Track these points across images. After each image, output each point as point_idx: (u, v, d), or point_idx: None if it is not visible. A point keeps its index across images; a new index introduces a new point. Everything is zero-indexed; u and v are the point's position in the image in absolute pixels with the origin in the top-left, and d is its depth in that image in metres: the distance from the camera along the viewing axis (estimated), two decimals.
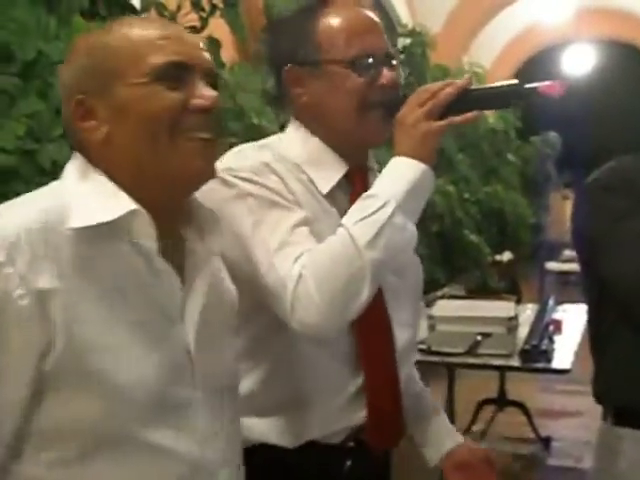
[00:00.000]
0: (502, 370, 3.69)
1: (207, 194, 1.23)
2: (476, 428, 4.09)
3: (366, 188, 1.35)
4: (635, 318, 1.58)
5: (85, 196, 1.01)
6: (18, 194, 1.53)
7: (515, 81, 1.29)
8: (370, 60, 1.34)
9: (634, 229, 1.54)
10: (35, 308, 0.93)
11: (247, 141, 1.42)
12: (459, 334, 2.97)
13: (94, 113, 1.03)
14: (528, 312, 3.59)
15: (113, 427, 0.98)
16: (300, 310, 1.19)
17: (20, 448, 0.97)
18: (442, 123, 1.26)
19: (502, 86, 1.30)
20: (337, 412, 1.34)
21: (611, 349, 1.65)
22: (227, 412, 1.13)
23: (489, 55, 8.67)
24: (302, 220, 1.27)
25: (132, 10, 2.23)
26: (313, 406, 1.33)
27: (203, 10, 2.38)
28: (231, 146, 1.40)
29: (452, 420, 3.49)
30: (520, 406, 4.23)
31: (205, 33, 2.48)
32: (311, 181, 1.36)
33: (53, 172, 1.60)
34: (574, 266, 8.55)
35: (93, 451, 0.97)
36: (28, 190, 1.53)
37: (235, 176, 1.28)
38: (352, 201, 1.33)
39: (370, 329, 1.34)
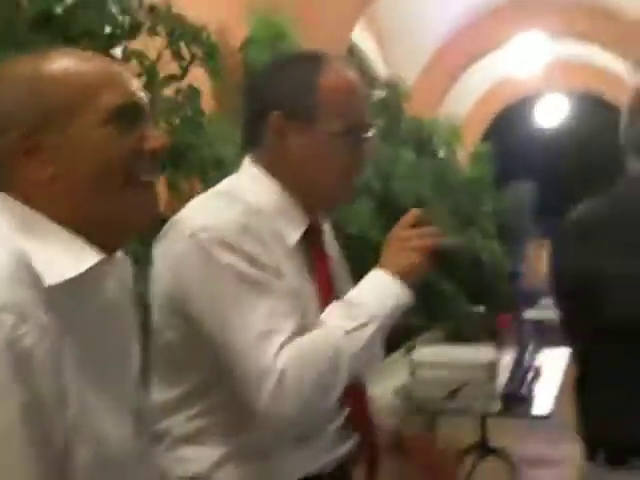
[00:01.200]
0: (483, 416, 3.69)
1: (182, 259, 1.25)
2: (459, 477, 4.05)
3: (321, 242, 1.43)
4: None
5: (39, 245, 0.93)
6: None
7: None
8: (360, 132, 1.37)
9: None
10: (53, 357, 0.88)
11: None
12: (439, 380, 2.98)
13: (39, 150, 0.95)
14: (507, 358, 3.60)
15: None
16: (276, 405, 1.20)
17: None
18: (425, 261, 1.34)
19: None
20: (327, 444, 1.36)
21: (604, 389, 1.64)
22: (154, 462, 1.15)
23: (464, 106, 8.82)
24: (283, 296, 1.26)
25: (113, 60, 2.26)
26: (302, 446, 1.33)
27: (183, 59, 2.42)
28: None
29: None
30: (502, 454, 4.20)
31: (184, 82, 2.52)
32: (277, 232, 1.34)
33: None
34: (551, 314, 8.58)
35: None
36: None
37: (212, 240, 1.23)
38: (314, 255, 1.39)
39: None
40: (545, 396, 3.07)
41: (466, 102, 8.96)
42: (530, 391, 3.06)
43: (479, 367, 3.03)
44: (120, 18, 2.21)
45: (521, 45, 7.34)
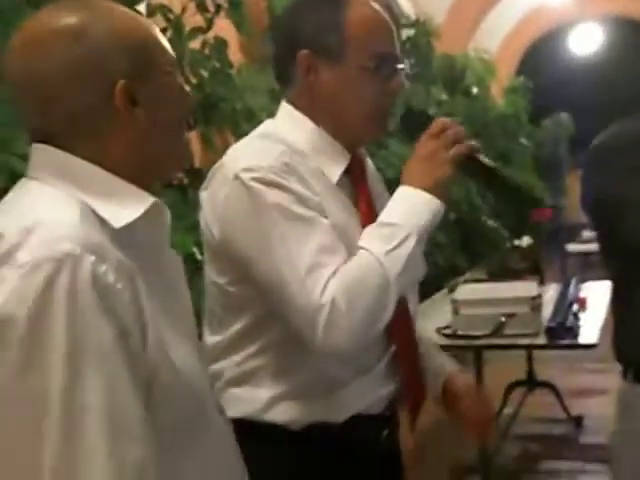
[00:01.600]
0: (529, 349, 3.69)
1: (229, 202, 1.26)
2: (507, 411, 4.09)
3: (365, 177, 1.43)
4: None
5: (100, 195, 0.96)
6: None
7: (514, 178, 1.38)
8: (389, 65, 1.36)
9: None
10: (133, 295, 0.91)
11: None
12: (483, 316, 2.97)
13: (135, 100, 0.96)
14: (551, 292, 3.58)
15: (185, 417, 0.98)
16: (332, 336, 1.21)
17: None
18: (452, 171, 1.31)
19: (506, 175, 1.37)
20: (376, 382, 1.38)
21: (633, 309, 1.66)
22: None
23: (495, 41, 8.65)
24: (328, 231, 1.27)
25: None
26: (355, 380, 1.35)
27: (208, 11, 2.40)
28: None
29: None
30: (549, 386, 4.22)
31: (210, 34, 2.51)
32: (319, 170, 1.35)
33: None
34: (594, 246, 8.49)
35: (175, 442, 0.97)
36: None
37: (256, 179, 1.25)
38: (358, 190, 1.40)
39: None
40: (591, 327, 3.05)
41: (498, 36, 8.78)
42: (576, 322, 3.04)
43: (523, 301, 3.01)
44: None
45: None
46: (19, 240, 0.86)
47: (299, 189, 1.27)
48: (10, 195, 0.99)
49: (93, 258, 0.87)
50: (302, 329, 1.23)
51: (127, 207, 0.96)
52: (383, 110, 1.38)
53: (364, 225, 1.34)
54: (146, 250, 1.00)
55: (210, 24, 2.39)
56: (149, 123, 0.98)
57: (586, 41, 10.07)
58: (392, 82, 1.37)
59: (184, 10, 2.39)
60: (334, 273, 1.23)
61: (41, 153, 0.98)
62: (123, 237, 0.95)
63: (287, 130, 1.36)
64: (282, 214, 1.24)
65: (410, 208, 1.30)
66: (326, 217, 1.29)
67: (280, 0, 3.78)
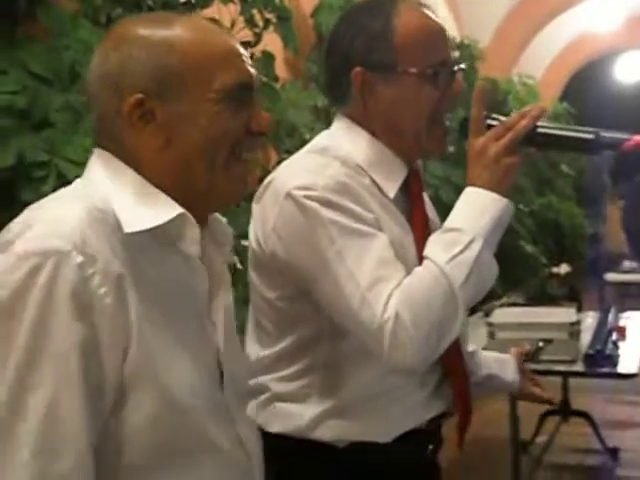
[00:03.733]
0: (565, 376, 3.63)
1: (283, 219, 1.25)
2: (540, 439, 4.03)
3: (421, 192, 1.40)
4: None
5: (128, 199, 0.97)
6: None
7: (591, 130, 1.27)
8: (446, 69, 1.33)
9: None
10: (118, 303, 0.91)
11: None
12: (520, 341, 2.93)
13: (153, 116, 0.98)
14: (589, 320, 3.53)
15: (174, 437, 0.96)
16: (398, 351, 1.19)
17: (102, 452, 0.92)
18: (519, 158, 1.27)
19: (577, 132, 1.29)
20: (426, 400, 1.37)
21: None
22: (247, 416, 1.14)
23: (539, 66, 8.60)
24: (386, 245, 1.25)
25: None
26: (401, 399, 1.34)
27: (256, 26, 2.43)
28: (280, 163, 1.37)
29: (515, 430, 3.46)
30: (585, 416, 4.15)
31: (258, 48, 2.54)
32: (376, 185, 1.33)
33: None
34: (634, 277, 8.40)
35: (165, 459, 0.95)
36: None
37: (311, 198, 1.24)
38: (414, 206, 1.37)
39: None
40: (631, 356, 3.00)
41: (542, 61, 8.74)
42: (615, 351, 2.99)
43: (561, 327, 2.98)
44: None
45: (598, 1, 7.10)
46: (18, 232, 0.90)
47: (354, 207, 1.25)
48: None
49: (81, 258, 0.89)
50: (368, 344, 1.22)
51: (148, 215, 0.97)
52: (442, 118, 1.36)
53: (418, 241, 1.32)
54: (164, 261, 0.99)
55: (259, 38, 2.41)
56: (167, 142, 0.98)
57: (632, 69, 9.98)
58: (450, 86, 1.34)
59: (233, 24, 2.42)
60: (396, 287, 1.20)
61: (96, 154, 1.03)
62: (135, 243, 0.95)
63: (344, 144, 1.35)
64: (338, 230, 1.22)
65: (473, 210, 1.26)
66: (383, 232, 1.27)
67: (326, 18, 3.82)
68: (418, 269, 1.24)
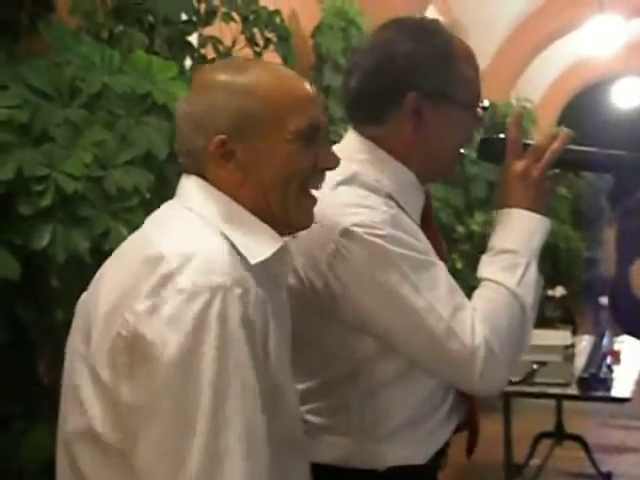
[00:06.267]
0: (559, 399, 3.63)
1: (340, 257, 1.22)
2: (533, 462, 4.02)
3: (432, 213, 1.43)
4: None
5: (238, 229, 1.06)
6: (85, 218, 1.63)
7: (622, 153, 1.34)
8: (480, 104, 1.37)
9: None
10: (265, 327, 1.01)
11: None
12: None
13: (233, 155, 1.07)
14: (584, 343, 3.55)
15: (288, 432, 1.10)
16: (489, 376, 1.22)
17: None
18: (555, 178, 1.34)
19: (606, 154, 1.35)
20: (445, 419, 1.37)
21: None
22: None
23: (537, 90, 8.66)
24: (447, 271, 1.27)
25: (189, 47, 2.31)
26: (437, 420, 1.35)
27: (257, 45, 2.44)
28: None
29: (509, 453, 3.45)
30: (578, 440, 4.14)
31: None
32: (405, 212, 1.32)
33: (119, 197, 1.67)
34: None
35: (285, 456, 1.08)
36: (95, 214, 1.63)
37: (375, 235, 1.22)
38: (429, 225, 1.39)
39: None
40: (625, 381, 3.01)
41: (540, 85, 8.80)
42: (609, 375, 3.00)
43: (555, 349, 2.99)
44: (196, 5, 2.26)
45: (597, 26, 7.16)
46: (179, 265, 0.98)
47: (412, 239, 1.26)
48: (159, 214, 1.12)
49: (240, 290, 0.98)
50: (456, 375, 1.24)
51: (260, 244, 1.06)
52: (464, 147, 1.40)
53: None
54: (272, 288, 1.09)
55: (259, 57, 2.42)
56: (245, 178, 1.08)
57: (629, 95, 10.05)
58: (479, 119, 1.39)
59: (234, 43, 2.44)
60: (472, 311, 1.23)
61: (189, 179, 1.11)
62: (257, 273, 1.04)
63: (371, 170, 1.31)
64: (409, 265, 1.22)
65: (524, 232, 1.31)
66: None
67: (326, 38, 3.85)
68: (487, 292, 1.27)
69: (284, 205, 1.09)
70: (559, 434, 4.18)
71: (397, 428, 1.31)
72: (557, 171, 1.36)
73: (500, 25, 7.14)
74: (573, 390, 2.89)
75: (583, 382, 2.89)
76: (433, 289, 1.22)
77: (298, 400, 1.17)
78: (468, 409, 1.43)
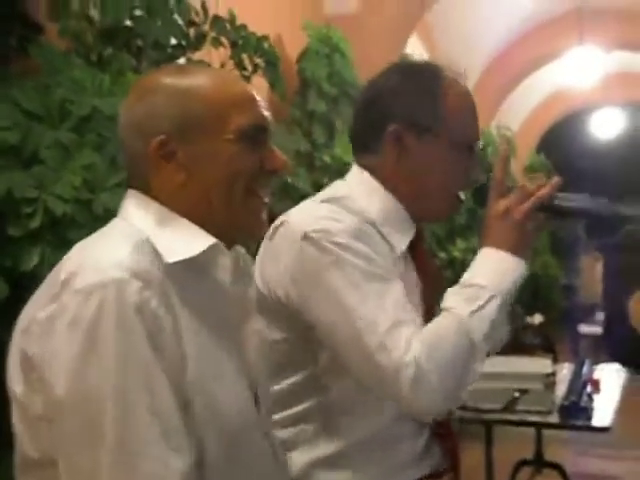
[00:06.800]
0: (540, 427, 3.63)
1: (297, 256, 1.27)
2: None
3: (424, 250, 1.44)
4: None
5: (163, 231, 1.05)
6: (74, 240, 1.62)
7: (607, 203, 1.32)
8: (473, 146, 1.39)
9: None
10: (173, 325, 0.98)
11: (281, 201, 1.44)
12: (495, 390, 2.94)
13: (174, 156, 1.06)
14: (564, 371, 3.55)
15: (230, 454, 1.04)
16: (417, 395, 1.20)
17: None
18: (540, 223, 1.32)
19: (594, 205, 1.33)
20: (413, 459, 1.36)
21: None
22: (274, 434, 1.19)
23: (517, 119, 8.75)
24: (401, 291, 1.27)
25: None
26: (388, 455, 1.33)
27: (245, 69, 2.46)
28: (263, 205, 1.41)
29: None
30: (558, 468, 4.14)
31: None
32: (385, 239, 1.35)
33: (106, 218, 1.66)
34: None
35: (227, 453, 1.03)
36: (82, 236, 1.61)
37: (330, 241, 1.25)
38: (418, 263, 1.40)
39: None
40: (605, 410, 3.01)
41: (520, 114, 8.89)
42: (590, 403, 3.00)
43: (536, 377, 2.99)
44: (185, 29, 2.27)
45: (575, 57, 7.27)
46: (77, 269, 0.97)
47: (371, 253, 1.27)
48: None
49: (140, 283, 0.96)
50: (384, 389, 1.22)
51: (185, 245, 1.04)
52: (460, 189, 1.40)
53: (423, 298, 1.35)
54: (203, 288, 1.06)
55: (247, 82, 2.44)
56: (188, 179, 1.06)
57: (608, 125, 10.19)
58: (473, 161, 1.39)
59: (223, 67, 2.45)
60: (415, 332, 1.22)
61: (128, 195, 1.11)
62: (177, 271, 1.02)
63: (359, 198, 1.36)
64: (359, 273, 1.24)
65: (496, 271, 1.28)
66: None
67: (312, 64, 3.88)
68: (438, 318, 1.26)
69: (230, 207, 1.07)
70: (539, 462, 4.18)
71: (348, 452, 1.31)
72: (541, 216, 1.33)
73: (481, 54, 7.23)
74: (554, 418, 2.88)
75: (564, 410, 2.89)
76: (377, 301, 1.23)
77: (250, 410, 1.10)
78: (447, 452, 1.39)
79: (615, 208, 1.32)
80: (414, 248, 1.40)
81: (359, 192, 1.37)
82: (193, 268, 1.05)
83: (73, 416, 0.93)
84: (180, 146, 1.05)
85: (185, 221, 1.06)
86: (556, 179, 1.33)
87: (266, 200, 1.11)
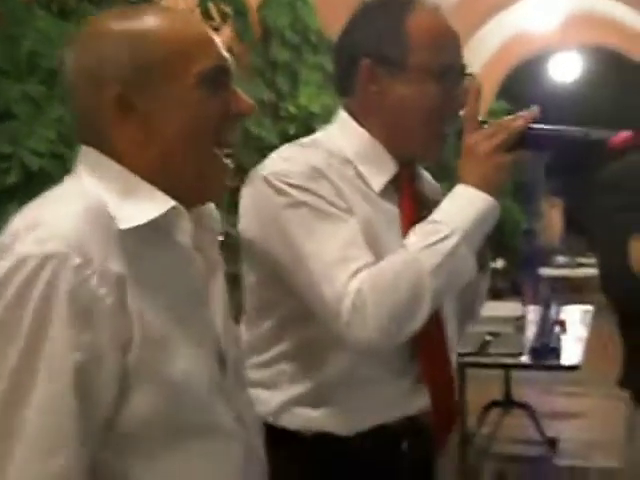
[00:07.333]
0: (510, 368, 3.72)
1: (255, 202, 1.28)
2: (484, 431, 4.11)
3: (414, 192, 1.40)
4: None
5: (119, 195, 0.97)
6: None
7: (581, 129, 1.28)
8: (454, 73, 1.33)
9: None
10: (117, 302, 0.91)
11: (246, 152, 1.42)
12: (467, 334, 2.98)
13: (132, 109, 0.97)
14: (531, 314, 3.62)
15: (181, 419, 0.98)
16: (356, 325, 1.18)
17: (107, 441, 0.94)
18: (513, 157, 1.26)
19: (568, 132, 1.29)
20: (397, 399, 1.35)
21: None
22: (247, 395, 1.16)
23: (480, 60, 8.74)
24: (356, 231, 1.26)
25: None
26: (370, 393, 1.33)
27: (213, 19, 2.41)
28: (227, 156, 1.39)
29: (462, 422, 3.52)
30: (526, 408, 4.25)
31: None
32: (362, 177, 1.34)
33: None
34: (567, 272, 8.64)
35: (172, 442, 0.97)
36: None
37: (285, 182, 1.26)
38: (402, 205, 1.36)
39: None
40: (573, 349, 3.09)
41: (480, 59, 8.88)
42: (558, 343, 3.08)
43: (507, 321, 3.05)
44: None
45: (535, 1, 7.25)
46: (19, 233, 0.90)
47: (326, 193, 1.27)
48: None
49: (78, 260, 0.89)
50: (327, 319, 1.22)
51: (141, 209, 0.97)
52: (441, 123, 1.34)
53: (404, 235, 1.31)
54: (162, 254, 1.00)
55: (216, 32, 2.39)
56: (150, 134, 0.98)
57: (567, 69, 10.23)
58: (454, 94, 1.33)
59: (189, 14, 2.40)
60: (364, 266, 1.21)
61: (81, 153, 1.01)
62: (131, 238, 0.95)
63: (336, 137, 1.36)
64: (308, 211, 1.24)
65: (458, 206, 1.25)
66: (355, 218, 1.27)
67: (273, 12, 3.81)
68: (390, 255, 1.25)
69: (196, 164, 0.99)
70: (507, 403, 4.28)
71: (323, 390, 1.31)
72: (523, 151, 1.28)
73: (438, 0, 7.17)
74: (526, 359, 2.95)
75: (535, 352, 2.96)
76: (326, 238, 1.23)
77: (211, 379, 1.03)
78: (433, 394, 1.36)
79: (591, 132, 1.27)
80: (399, 186, 1.38)
81: (336, 132, 1.37)
82: (151, 233, 0.98)
83: None
84: (137, 97, 0.97)
85: (143, 183, 0.99)
86: (533, 109, 1.29)
87: (229, 162, 1.03)
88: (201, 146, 1.00)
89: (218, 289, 1.09)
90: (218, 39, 1.03)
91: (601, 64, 10.33)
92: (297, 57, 3.93)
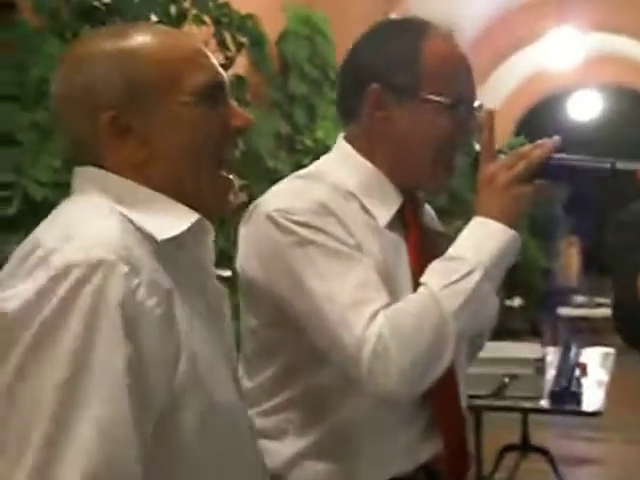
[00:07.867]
0: (527, 412, 3.61)
1: (262, 243, 1.21)
2: (499, 476, 3.99)
3: (419, 222, 1.34)
4: None
5: (140, 208, 0.93)
6: None
7: (606, 159, 1.22)
8: (466, 104, 1.27)
9: None
10: (166, 313, 0.88)
11: (261, 184, 1.36)
12: (484, 376, 2.90)
13: (129, 130, 0.94)
14: (550, 355, 3.52)
15: (220, 438, 0.95)
16: (378, 373, 1.12)
17: (157, 456, 0.89)
18: (533, 188, 1.20)
19: (593, 162, 1.23)
20: (409, 446, 1.28)
21: None
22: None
23: (499, 97, 8.73)
24: (369, 269, 1.19)
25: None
26: (382, 441, 1.26)
27: (229, 49, 2.38)
28: (242, 189, 1.35)
29: (479, 465, 3.42)
30: (544, 452, 4.13)
31: (229, 72, 2.49)
32: (367, 211, 1.27)
33: None
34: (586, 312, 8.51)
35: (211, 459, 0.93)
36: None
37: (291, 220, 1.19)
38: (409, 236, 1.30)
39: None
40: (594, 393, 2.99)
41: (498, 97, 8.87)
42: (579, 387, 2.97)
43: (526, 362, 2.95)
44: (166, 6, 2.19)
45: (555, 39, 7.25)
46: (55, 247, 0.85)
47: (334, 230, 1.20)
48: (55, 210, 0.96)
49: (127, 269, 0.85)
50: (347, 368, 1.15)
51: (170, 222, 0.94)
52: (451, 154, 1.29)
53: (412, 268, 1.26)
54: (191, 270, 0.98)
55: (231, 62, 2.36)
56: (150, 156, 0.94)
57: (586, 107, 10.20)
58: (466, 126, 1.28)
59: (205, 46, 2.37)
60: (381, 308, 1.14)
61: (81, 173, 0.97)
62: (167, 252, 0.93)
63: (337, 169, 1.29)
64: (318, 251, 1.17)
65: (478, 240, 1.18)
66: (367, 256, 1.20)
67: (292, 45, 3.80)
68: (410, 295, 1.19)
69: (198, 182, 0.96)
70: (524, 447, 4.16)
71: (335, 441, 1.24)
72: (544, 182, 1.22)
73: (461, 36, 7.18)
74: (544, 404, 2.85)
75: (555, 396, 2.86)
76: (339, 279, 1.16)
77: (239, 402, 1.03)
78: (446, 438, 1.29)
79: (618, 163, 1.21)
80: (404, 219, 1.31)
81: (337, 164, 1.30)
82: (176, 248, 0.95)
83: (7, 410, 0.80)
84: (133, 118, 0.93)
85: (160, 195, 0.95)
86: (555, 138, 1.23)
87: (233, 177, 1.01)
88: (203, 163, 0.97)
89: (226, 309, 1.07)
90: (209, 53, 1.00)
91: (621, 103, 10.30)
92: (315, 91, 3.91)
